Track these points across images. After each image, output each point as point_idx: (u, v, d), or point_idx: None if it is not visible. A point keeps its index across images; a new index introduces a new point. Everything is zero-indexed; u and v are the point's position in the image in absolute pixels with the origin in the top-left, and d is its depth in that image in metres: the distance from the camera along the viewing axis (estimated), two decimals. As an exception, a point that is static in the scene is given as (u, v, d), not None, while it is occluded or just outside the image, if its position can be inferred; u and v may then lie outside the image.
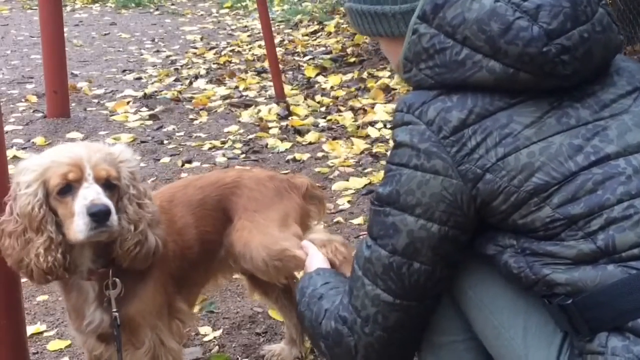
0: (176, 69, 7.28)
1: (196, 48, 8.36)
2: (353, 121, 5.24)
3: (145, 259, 1.92)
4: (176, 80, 6.81)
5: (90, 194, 1.79)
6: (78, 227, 1.78)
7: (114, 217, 1.80)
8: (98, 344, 2.03)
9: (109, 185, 1.85)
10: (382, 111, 5.29)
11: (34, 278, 1.88)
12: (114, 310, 1.92)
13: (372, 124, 5.11)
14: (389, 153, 1.65)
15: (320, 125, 5.25)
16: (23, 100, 6.04)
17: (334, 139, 4.91)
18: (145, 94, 6.21)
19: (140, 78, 6.93)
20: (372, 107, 5.46)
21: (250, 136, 5.05)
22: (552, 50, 1.49)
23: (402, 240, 1.59)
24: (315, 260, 1.97)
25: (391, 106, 5.38)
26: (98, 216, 1.77)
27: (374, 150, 4.63)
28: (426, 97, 1.58)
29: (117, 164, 1.90)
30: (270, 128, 5.20)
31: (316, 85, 6.38)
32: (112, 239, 1.87)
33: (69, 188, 1.81)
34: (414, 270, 1.60)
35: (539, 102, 1.53)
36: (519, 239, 1.55)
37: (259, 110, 5.61)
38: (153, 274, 2.02)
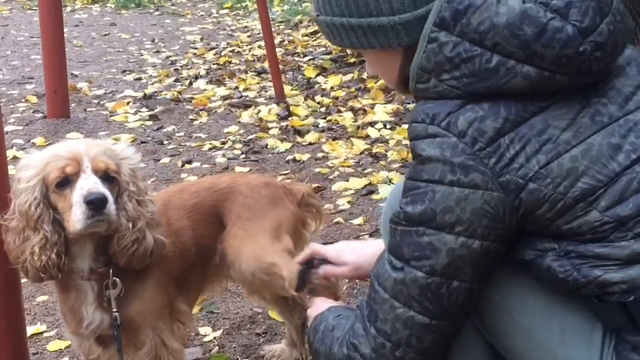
0: (176, 70, 7.28)
1: (196, 48, 8.36)
2: (353, 121, 5.24)
3: (142, 259, 1.92)
4: (176, 80, 6.82)
5: (88, 184, 1.80)
6: (76, 217, 1.79)
7: (111, 206, 1.81)
8: (96, 347, 2.02)
9: (108, 177, 1.86)
10: (382, 111, 5.29)
11: (29, 276, 1.90)
12: (114, 310, 1.91)
13: (372, 124, 5.11)
14: (411, 168, 1.55)
15: (320, 126, 5.25)
16: (23, 100, 6.04)
17: (334, 139, 4.91)
18: (145, 94, 6.21)
19: (140, 78, 6.93)
20: (372, 108, 5.46)
21: (250, 136, 5.06)
22: (587, 49, 1.45)
23: (442, 260, 1.51)
24: (325, 303, 1.89)
25: (391, 107, 5.39)
26: (94, 203, 1.78)
27: (374, 150, 4.63)
28: (451, 107, 1.50)
29: (117, 160, 1.91)
30: (270, 128, 5.20)
31: (316, 86, 6.38)
32: (110, 232, 1.87)
33: (67, 181, 1.82)
34: (453, 290, 1.53)
35: (570, 102, 1.50)
36: (560, 242, 1.52)
37: (259, 111, 5.62)
38: (153, 274, 2.02)
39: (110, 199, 1.82)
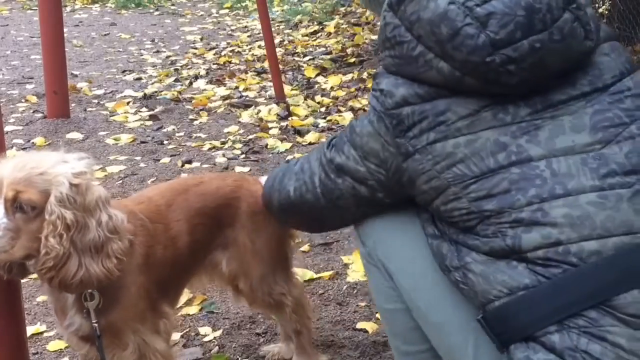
0: (176, 70, 7.28)
1: (196, 48, 8.36)
2: (353, 121, 5.24)
3: (65, 284, 1.81)
4: (176, 80, 6.81)
5: None
6: None
7: None
8: (82, 344, 2.01)
9: (20, 207, 1.76)
10: (382, 111, 5.28)
11: None
12: (94, 321, 1.89)
13: (372, 124, 5.10)
14: None
15: (320, 126, 5.25)
16: (23, 100, 6.04)
17: (334, 139, 4.91)
18: (145, 94, 6.21)
19: (140, 78, 6.93)
20: (372, 108, 5.45)
21: (250, 136, 5.06)
22: (495, 60, 1.48)
23: (340, 160, 1.80)
24: None
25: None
26: None
27: (374, 150, 4.62)
28: (385, 72, 1.70)
29: (46, 186, 1.78)
30: (270, 128, 5.20)
31: (316, 86, 6.38)
32: (6, 260, 1.82)
33: None
34: (334, 181, 1.83)
35: (482, 95, 1.55)
36: (449, 228, 1.63)
37: (259, 111, 5.62)
38: (137, 280, 1.98)
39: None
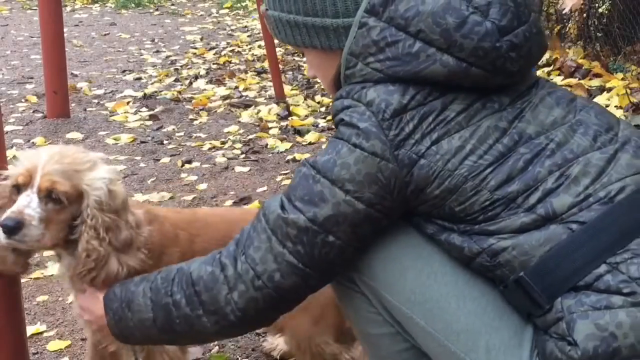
0: (176, 69, 7.29)
1: (196, 48, 8.37)
2: (353, 121, 5.24)
3: (108, 282, 1.88)
4: (176, 80, 6.82)
5: (19, 203, 1.77)
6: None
7: (26, 232, 1.75)
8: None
9: (54, 198, 1.80)
10: (382, 111, 5.29)
11: None
12: None
13: (372, 124, 5.10)
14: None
15: (320, 126, 5.25)
16: (23, 100, 6.04)
17: (334, 139, 4.91)
18: (145, 94, 6.21)
19: (140, 78, 6.93)
20: (372, 108, 5.46)
21: (250, 136, 5.06)
22: (503, 47, 1.54)
23: (326, 211, 1.56)
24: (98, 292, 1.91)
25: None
26: (5, 228, 1.75)
27: (374, 150, 4.62)
28: (366, 84, 1.59)
29: (78, 181, 1.84)
30: (270, 128, 5.20)
31: (316, 86, 6.38)
32: (38, 249, 1.86)
33: (18, 190, 1.81)
34: (326, 243, 1.58)
35: (470, 91, 1.59)
36: (458, 225, 1.58)
37: (259, 111, 5.62)
38: None
39: (34, 223, 1.76)
